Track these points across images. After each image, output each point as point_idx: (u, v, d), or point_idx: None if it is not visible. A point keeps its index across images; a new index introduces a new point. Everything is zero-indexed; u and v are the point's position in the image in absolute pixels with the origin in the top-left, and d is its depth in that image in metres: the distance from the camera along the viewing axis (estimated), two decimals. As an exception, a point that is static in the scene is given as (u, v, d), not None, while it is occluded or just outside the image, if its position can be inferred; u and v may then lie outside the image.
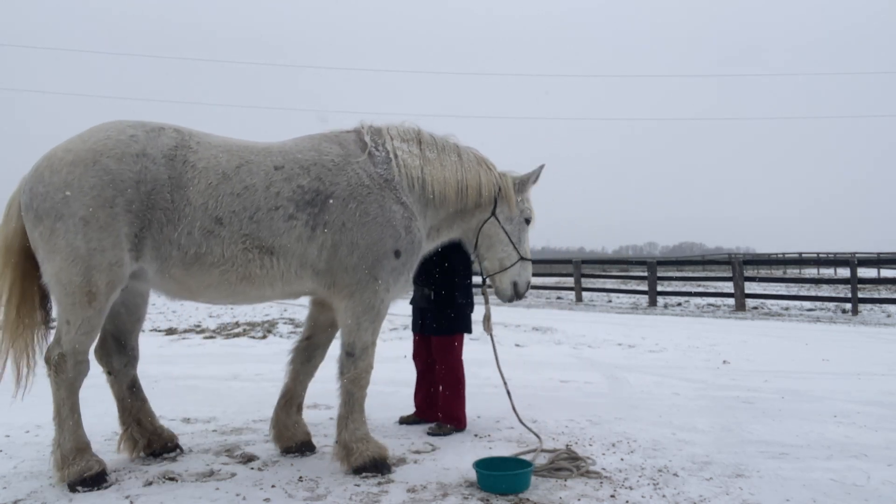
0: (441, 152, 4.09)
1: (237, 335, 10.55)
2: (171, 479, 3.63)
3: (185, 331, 11.41)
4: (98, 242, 3.30)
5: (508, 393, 4.52)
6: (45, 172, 3.39)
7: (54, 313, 3.80)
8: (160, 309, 15.42)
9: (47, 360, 3.49)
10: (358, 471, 3.66)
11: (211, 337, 10.51)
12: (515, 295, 4.35)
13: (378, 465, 3.69)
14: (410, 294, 4.79)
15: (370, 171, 3.81)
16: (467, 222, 4.25)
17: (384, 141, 3.98)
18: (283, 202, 3.58)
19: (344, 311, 3.76)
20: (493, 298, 4.49)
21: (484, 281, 4.45)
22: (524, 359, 8.26)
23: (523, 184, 4.36)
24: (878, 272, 28.72)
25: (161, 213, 3.41)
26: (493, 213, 4.23)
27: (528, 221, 4.37)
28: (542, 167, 4.43)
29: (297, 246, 3.60)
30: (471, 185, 4.09)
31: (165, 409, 5.44)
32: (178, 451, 4.09)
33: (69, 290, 3.34)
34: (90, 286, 3.32)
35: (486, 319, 4.60)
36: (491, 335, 4.67)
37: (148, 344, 9.75)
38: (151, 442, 4.02)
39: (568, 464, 3.78)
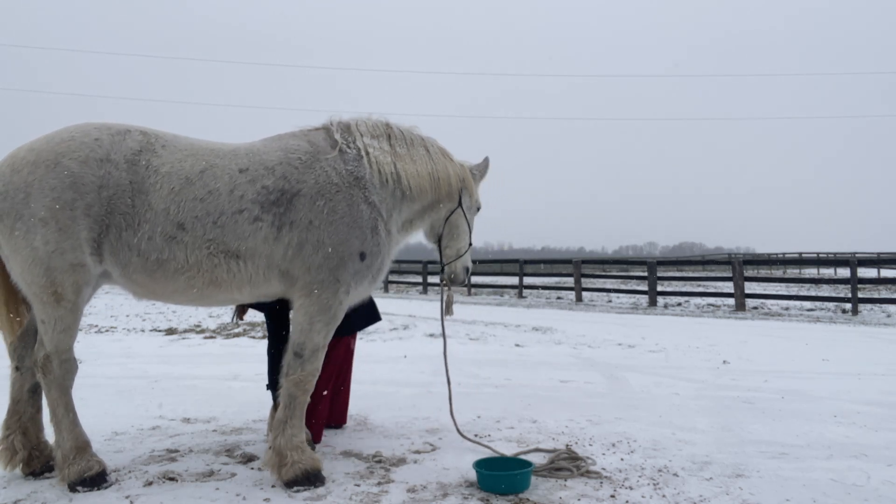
0: (410, 146, 4.08)
1: (237, 335, 10.55)
2: (171, 479, 3.62)
3: (185, 331, 11.41)
4: (56, 244, 3.25)
5: (450, 393, 4.51)
6: (7, 171, 3.35)
7: None
8: (160, 309, 15.43)
9: (35, 363, 3.47)
10: (290, 484, 3.45)
11: (211, 337, 10.51)
12: (466, 279, 4.60)
13: (311, 478, 3.49)
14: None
15: (340, 168, 3.74)
16: (437, 213, 4.29)
17: (354, 138, 3.93)
18: (248, 205, 3.50)
19: (298, 308, 3.67)
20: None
21: (443, 269, 4.50)
22: (524, 359, 8.26)
23: (480, 175, 4.53)
24: (878, 272, 28.72)
25: (120, 218, 3.35)
26: (460, 203, 4.30)
27: (478, 210, 4.58)
28: (487, 159, 4.60)
29: (264, 247, 3.52)
30: (441, 178, 4.12)
31: (166, 409, 5.45)
32: (52, 472, 3.69)
33: (34, 290, 3.32)
34: (55, 286, 3.29)
35: (449, 304, 4.73)
36: (444, 326, 4.76)
37: (148, 344, 9.79)
38: (32, 458, 3.69)
39: (568, 464, 3.77)
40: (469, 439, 4.31)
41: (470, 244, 4.46)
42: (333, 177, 3.70)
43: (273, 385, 4.31)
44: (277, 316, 4.37)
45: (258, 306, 4.46)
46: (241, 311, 4.66)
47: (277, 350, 4.15)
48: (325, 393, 4.46)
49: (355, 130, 3.97)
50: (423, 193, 4.06)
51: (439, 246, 4.42)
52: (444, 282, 4.56)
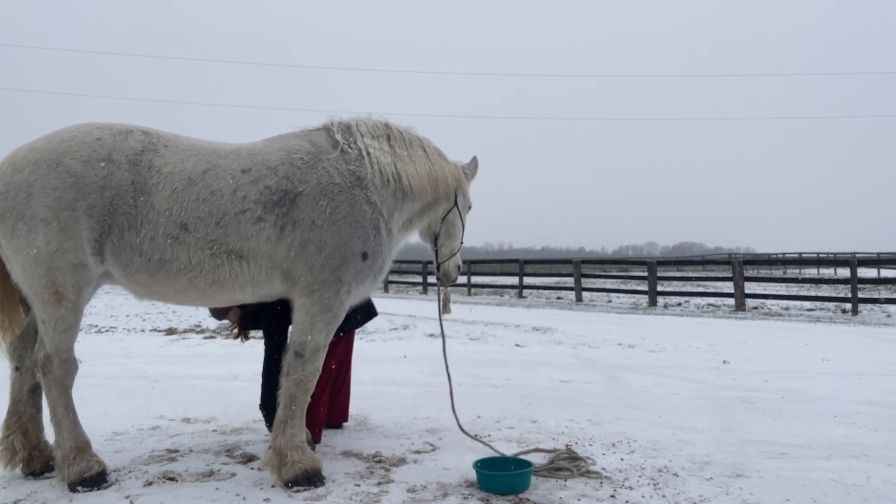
0: (409, 147, 4.11)
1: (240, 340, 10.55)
2: (171, 479, 3.62)
3: (185, 331, 11.42)
4: (58, 244, 3.25)
5: (451, 389, 4.49)
6: (8, 171, 3.34)
7: None
8: (160, 309, 15.44)
9: (35, 362, 3.47)
10: (290, 484, 3.45)
11: (211, 337, 10.52)
12: (457, 277, 4.68)
13: (311, 478, 3.49)
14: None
15: (342, 168, 3.75)
16: (435, 212, 4.32)
17: (355, 139, 3.95)
18: (251, 205, 3.49)
19: (299, 308, 3.66)
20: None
21: (438, 268, 4.56)
22: (524, 359, 8.26)
23: (471, 174, 4.61)
24: (878, 272, 28.72)
25: (122, 219, 3.34)
26: (455, 203, 4.35)
27: (469, 209, 4.63)
28: (475, 158, 4.69)
29: (267, 247, 3.52)
30: (440, 178, 4.16)
31: (166, 409, 5.45)
32: (52, 472, 3.68)
33: (36, 290, 3.31)
34: (56, 286, 3.28)
35: (446, 303, 4.82)
36: (442, 323, 4.77)
37: (148, 344, 9.79)
38: (32, 458, 3.68)
39: (568, 464, 3.77)
40: (470, 436, 4.31)
41: (461, 242, 4.53)
42: (336, 177, 3.70)
43: (266, 405, 4.26)
44: (277, 337, 4.30)
45: (259, 325, 4.47)
46: (244, 332, 4.65)
47: (272, 372, 4.06)
48: (323, 392, 4.46)
49: (356, 131, 3.99)
50: (423, 193, 4.09)
51: (435, 245, 4.47)
52: (441, 280, 4.60)
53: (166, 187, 3.41)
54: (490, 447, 4.15)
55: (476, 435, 4.44)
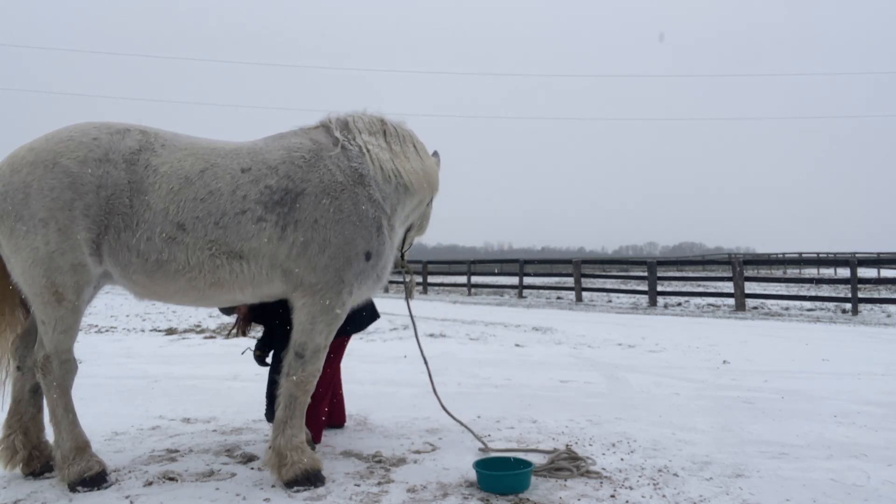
0: (403, 143, 4.10)
1: (237, 335, 10.55)
2: (171, 479, 3.62)
3: (185, 331, 11.42)
4: (57, 245, 3.25)
5: (430, 376, 4.54)
6: (7, 172, 3.34)
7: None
8: (160, 309, 15.45)
9: (34, 363, 3.47)
10: (290, 484, 3.44)
11: (211, 337, 10.52)
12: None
13: (311, 479, 3.48)
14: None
15: (343, 166, 3.72)
16: (423, 204, 4.33)
17: (354, 136, 3.93)
18: (251, 205, 3.46)
19: (300, 308, 3.63)
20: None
21: (402, 255, 4.59)
22: (524, 359, 8.26)
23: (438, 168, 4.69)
24: (878, 272, 28.73)
25: (119, 219, 3.33)
26: (431, 196, 4.40)
27: None
28: (437, 153, 4.58)
29: (268, 248, 3.48)
30: (430, 172, 4.17)
31: (166, 409, 5.45)
32: (52, 472, 3.68)
33: (36, 291, 3.31)
34: (55, 287, 3.28)
35: (411, 289, 4.81)
36: (411, 313, 4.77)
37: (148, 344, 9.80)
38: (32, 458, 3.68)
39: (568, 464, 3.77)
40: (451, 415, 4.39)
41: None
42: (338, 175, 3.67)
43: (269, 394, 4.32)
44: (279, 332, 4.27)
45: (261, 319, 4.47)
46: (243, 326, 4.66)
47: (275, 367, 4.04)
48: (326, 393, 4.46)
49: (353, 127, 3.96)
50: (421, 188, 4.08)
51: (405, 234, 4.45)
52: (408, 268, 4.65)
53: (162, 187, 3.38)
54: (481, 441, 4.15)
55: (466, 425, 4.44)
